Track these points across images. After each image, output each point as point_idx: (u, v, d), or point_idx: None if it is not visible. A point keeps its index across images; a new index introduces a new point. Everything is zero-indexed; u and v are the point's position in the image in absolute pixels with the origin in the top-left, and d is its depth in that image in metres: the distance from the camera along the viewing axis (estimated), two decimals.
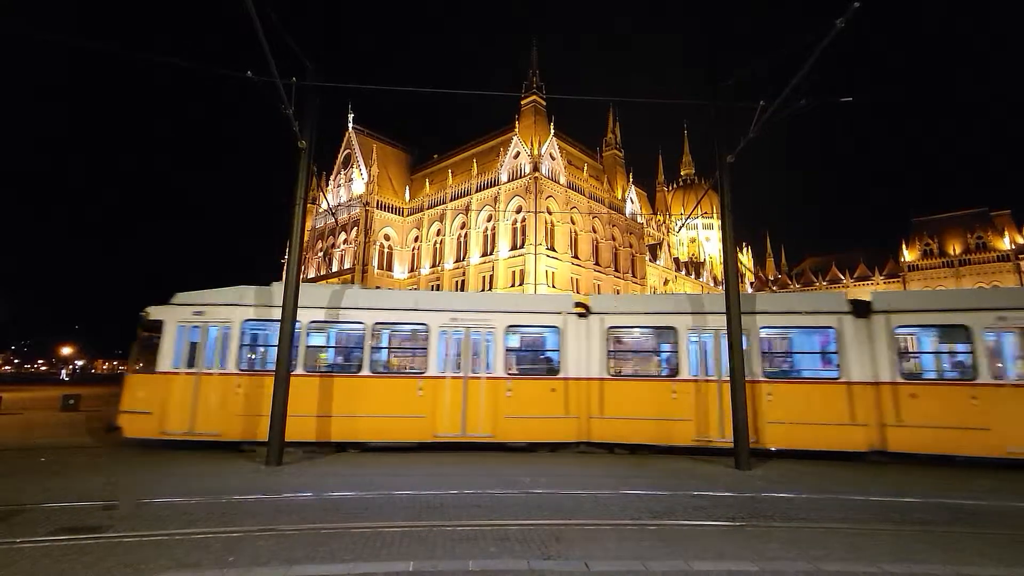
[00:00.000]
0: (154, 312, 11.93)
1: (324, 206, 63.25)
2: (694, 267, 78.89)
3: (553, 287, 47.86)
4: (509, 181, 51.83)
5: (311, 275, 62.18)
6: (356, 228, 59.00)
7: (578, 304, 12.60)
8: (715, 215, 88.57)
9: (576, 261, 52.55)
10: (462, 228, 55.58)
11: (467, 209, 54.89)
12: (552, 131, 53.10)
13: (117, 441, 11.94)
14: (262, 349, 12.56)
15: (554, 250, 49.99)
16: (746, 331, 11.46)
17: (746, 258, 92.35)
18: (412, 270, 59.75)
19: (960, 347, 11.15)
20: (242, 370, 11.66)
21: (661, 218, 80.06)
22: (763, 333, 11.66)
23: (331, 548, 5.28)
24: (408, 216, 61.45)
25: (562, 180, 52.38)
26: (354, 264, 57.09)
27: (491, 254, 51.87)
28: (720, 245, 12.31)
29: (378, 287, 52.10)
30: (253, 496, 7.57)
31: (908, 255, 73.10)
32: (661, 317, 12.26)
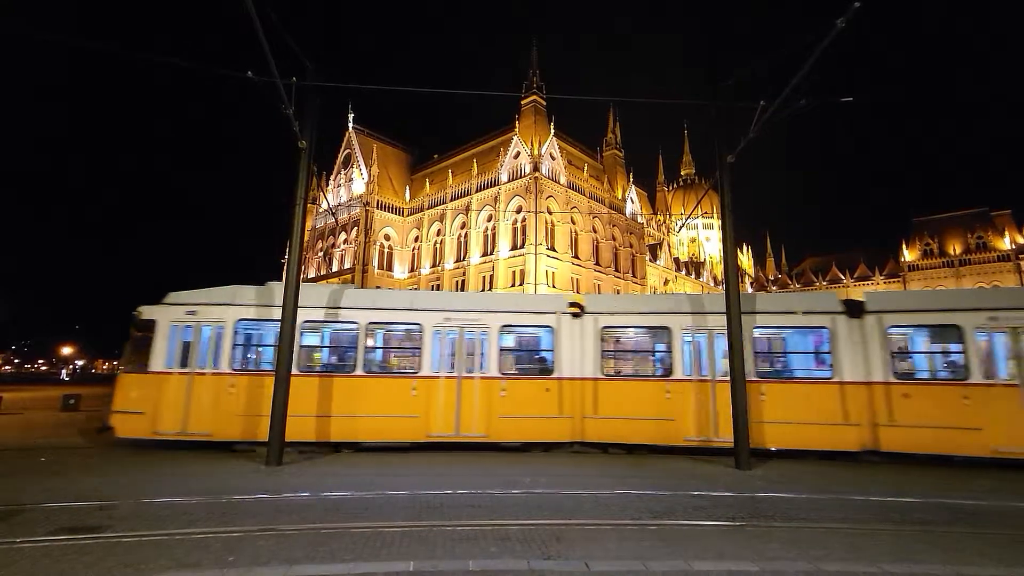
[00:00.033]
0: (147, 312, 11.90)
1: (324, 206, 63.27)
2: (694, 267, 78.89)
3: (553, 287, 47.86)
4: (509, 181, 51.83)
5: (311, 275, 62.19)
6: (356, 228, 59.01)
7: (572, 304, 12.60)
8: (715, 215, 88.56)
9: (576, 261, 52.56)
10: (462, 228, 55.58)
11: (467, 209, 54.89)
12: (552, 131, 53.09)
13: (109, 441, 11.91)
14: (255, 349, 12.55)
15: (554, 250, 50.00)
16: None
17: (746, 258, 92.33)
18: (412, 270, 59.76)
19: (952, 347, 11.19)
20: (235, 370, 11.62)
21: (661, 218, 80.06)
22: (756, 333, 11.66)
23: (331, 548, 5.28)
24: (408, 216, 61.46)
25: (562, 180, 52.38)
26: (354, 264, 57.08)
27: (491, 254, 51.88)
28: (720, 245, 12.30)
29: (378, 287, 52.14)
30: (253, 496, 7.57)
31: (908, 255, 73.10)
32: (655, 317, 12.29)
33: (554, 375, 11.94)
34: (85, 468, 9.74)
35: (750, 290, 79.95)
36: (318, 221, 65.23)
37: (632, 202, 62.29)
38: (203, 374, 11.51)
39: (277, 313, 11.75)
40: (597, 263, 55.16)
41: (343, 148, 66.78)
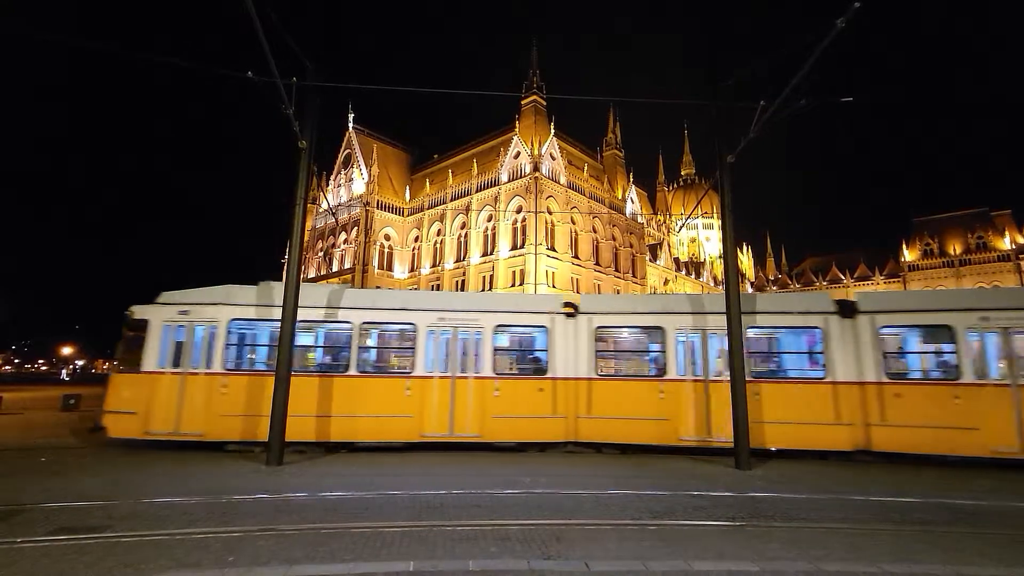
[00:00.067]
0: (139, 311, 11.87)
1: (324, 206, 63.28)
2: (694, 267, 78.89)
3: (553, 287, 47.86)
4: (509, 181, 51.83)
5: (311, 275, 62.21)
6: (356, 228, 59.01)
7: (566, 304, 12.60)
8: (715, 215, 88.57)
9: (576, 261, 52.56)
10: (462, 228, 55.58)
11: (467, 209, 54.89)
12: (552, 131, 53.09)
13: (102, 441, 11.86)
14: (249, 349, 12.53)
15: (554, 250, 50.00)
16: None
17: (746, 258, 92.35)
18: (412, 270, 59.77)
19: (944, 347, 11.23)
20: (228, 370, 11.59)
21: (661, 218, 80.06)
22: (750, 333, 11.64)
23: (331, 548, 5.28)
24: (408, 216, 61.46)
25: (562, 180, 52.38)
26: (354, 264, 57.09)
27: (491, 254, 51.88)
28: (720, 245, 12.31)
29: (378, 287, 52.18)
30: (253, 496, 7.57)
31: (908, 255, 73.10)
32: (649, 317, 12.30)
33: (548, 375, 11.94)
34: (85, 468, 9.74)
35: (750, 290, 79.95)
36: (318, 221, 65.24)
37: (632, 202, 62.29)
38: (196, 374, 11.47)
39: (270, 313, 11.80)
40: (597, 263, 55.17)
41: (343, 148, 66.79)
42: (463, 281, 53.46)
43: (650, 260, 65.10)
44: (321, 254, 63.81)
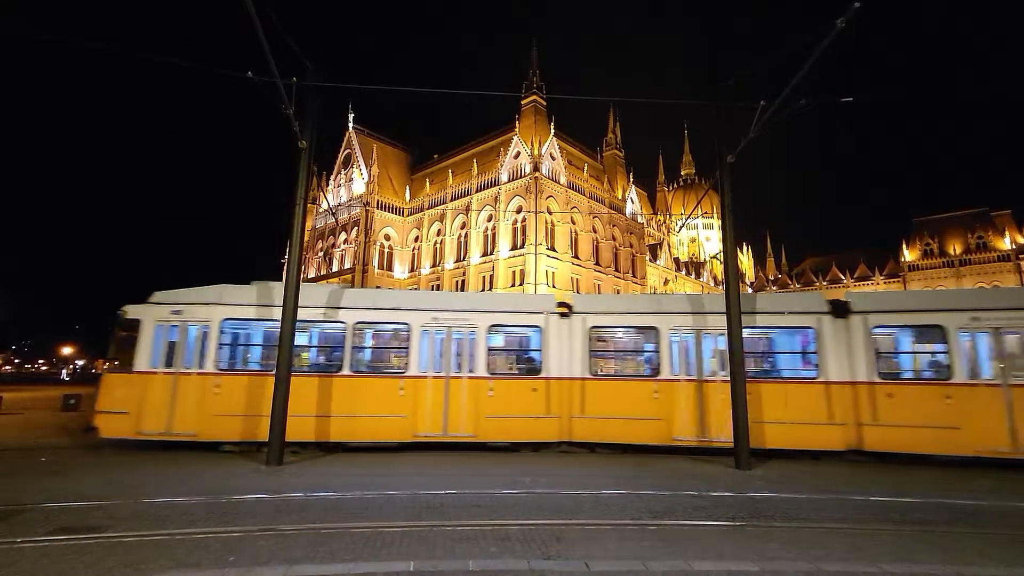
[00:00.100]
0: (131, 311, 11.84)
1: (324, 206, 63.28)
2: (694, 267, 78.90)
3: (553, 287, 47.88)
4: (509, 181, 51.84)
5: (312, 275, 62.23)
6: (356, 228, 59.02)
7: (560, 304, 12.62)
8: (715, 215, 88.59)
9: (576, 261, 52.57)
10: (462, 228, 55.59)
11: (467, 209, 54.90)
12: (552, 131, 53.11)
13: (93, 441, 11.80)
14: (242, 348, 12.51)
15: (554, 250, 50.01)
16: (725, 331, 11.57)
17: (746, 258, 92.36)
18: (412, 270, 59.78)
19: (936, 347, 11.26)
20: (221, 370, 11.57)
21: (661, 218, 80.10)
22: (744, 333, 11.61)
23: (331, 548, 5.28)
24: (408, 216, 61.47)
25: (562, 180, 52.39)
26: (354, 264, 57.10)
27: (491, 254, 51.89)
28: (720, 245, 12.33)
29: (378, 287, 52.18)
30: (253, 496, 7.57)
31: (908, 255, 73.11)
32: (643, 317, 12.32)
33: (542, 375, 11.94)
34: (85, 468, 9.74)
35: (750, 290, 79.95)
36: (318, 221, 65.24)
37: (632, 202, 62.30)
38: (188, 374, 11.45)
39: (263, 312, 11.84)
40: (597, 263, 55.18)
41: (343, 148, 66.79)
42: (463, 281, 53.47)
43: (650, 260, 65.12)
44: (321, 254, 63.82)
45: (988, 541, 5.83)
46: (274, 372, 10.89)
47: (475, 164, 55.76)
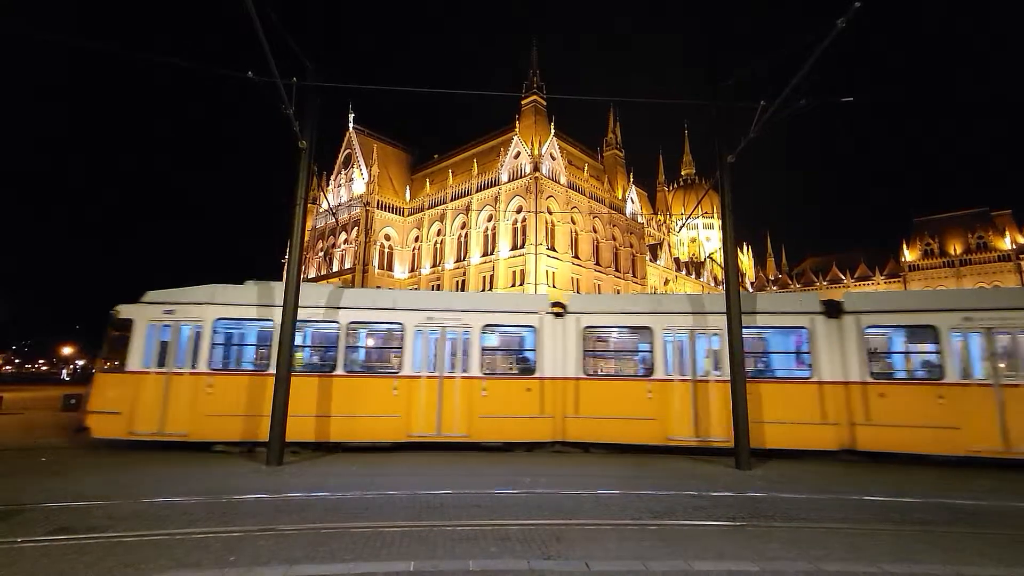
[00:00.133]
0: (124, 311, 11.81)
1: (324, 206, 63.30)
2: (694, 267, 78.90)
3: (554, 287, 47.89)
4: (509, 181, 51.85)
5: (312, 275, 62.25)
6: (357, 228, 59.04)
7: (555, 304, 12.64)
8: (715, 215, 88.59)
9: (576, 261, 52.58)
10: (463, 228, 55.60)
11: (467, 209, 54.91)
12: (552, 131, 53.13)
13: (86, 442, 11.74)
14: (234, 348, 12.50)
15: (555, 250, 50.02)
16: (719, 331, 11.64)
17: (746, 258, 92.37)
18: (413, 270, 59.80)
19: (928, 347, 11.30)
20: (214, 370, 11.55)
21: (661, 218, 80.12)
22: None
23: (331, 548, 5.28)
24: (409, 216, 61.49)
25: (562, 180, 52.40)
26: (355, 264, 57.12)
27: (492, 254, 51.91)
28: (720, 245, 12.36)
29: (378, 287, 52.18)
30: (253, 496, 7.57)
31: (909, 255, 73.12)
32: (636, 317, 12.33)
33: (536, 375, 11.95)
34: (85, 468, 9.74)
35: (750, 290, 79.96)
36: (318, 221, 65.27)
37: (632, 202, 62.32)
38: (181, 374, 11.42)
39: (257, 312, 11.84)
40: (597, 263, 55.19)
41: (343, 148, 66.82)
42: (463, 281, 53.49)
43: (650, 260, 65.14)
44: (321, 254, 63.84)
45: (988, 541, 5.83)
46: (267, 372, 10.91)
47: (475, 164, 55.78)
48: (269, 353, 11.70)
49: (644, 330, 12.12)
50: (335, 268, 60.75)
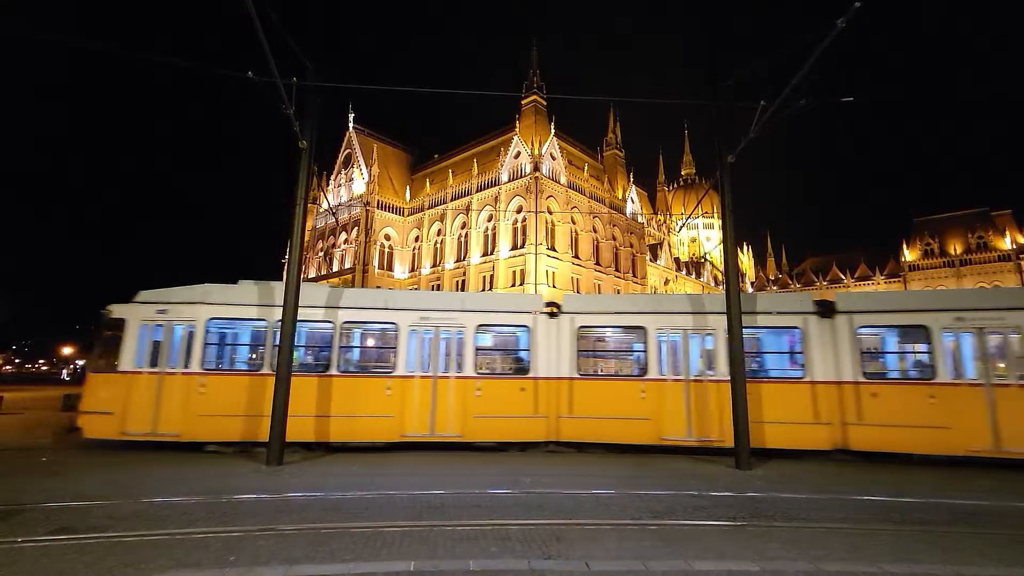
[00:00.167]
0: (116, 310, 11.78)
1: (325, 206, 63.29)
2: (694, 267, 78.89)
3: (554, 287, 47.90)
4: (510, 181, 51.85)
5: (312, 275, 62.25)
6: (357, 228, 59.03)
7: (549, 304, 12.66)
8: (716, 215, 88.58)
9: (577, 261, 52.57)
10: (463, 228, 55.60)
11: (468, 209, 54.91)
12: (552, 131, 53.11)
13: (77, 442, 11.72)
14: (227, 348, 12.47)
15: (555, 250, 50.02)
16: (713, 331, 11.68)
17: (747, 258, 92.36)
18: (413, 270, 59.79)
19: (920, 347, 11.33)
20: (206, 370, 11.52)
21: (662, 218, 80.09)
22: None
23: (331, 548, 5.28)
24: (409, 216, 61.48)
25: (563, 180, 52.39)
26: (355, 264, 57.11)
27: (492, 254, 51.90)
28: (720, 245, 12.38)
29: (378, 287, 52.18)
30: (253, 496, 7.57)
31: (909, 255, 73.11)
32: (630, 317, 12.35)
33: (530, 375, 11.96)
34: (84, 468, 9.73)
35: (751, 290, 79.94)
36: (318, 221, 65.26)
37: (632, 202, 62.31)
38: (173, 374, 11.40)
39: (250, 312, 11.84)
40: (597, 263, 55.18)
41: (343, 148, 66.80)
42: (463, 281, 53.49)
43: (650, 260, 65.12)
44: (321, 254, 63.83)
45: (988, 541, 5.83)
46: (261, 372, 10.93)
47: (475, 164, 55.77)
48: (262, 353, 11.71)
49: (638, 330, 12.14)
50: (335, 268, 60.73)
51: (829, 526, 6.38)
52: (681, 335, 11.91)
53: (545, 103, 56.00)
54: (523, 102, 55.71)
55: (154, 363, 11.47)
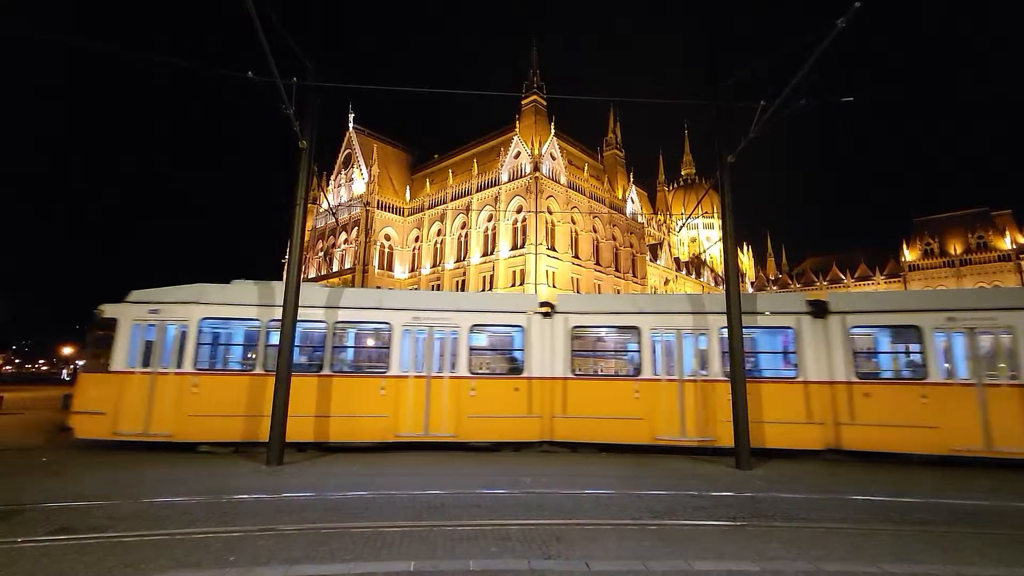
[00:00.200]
0: (108, 310, 11.74)
1: (324, 206, 63.29)
2: (695, 267, 78.89)
3: (554, 287, 47.90)
4: (510, 181, 51.85)
5: (312, 275, 62.24)
6: (357, 228, 59.03)
7: (543, 304, 12.67)
8: (716, 215, 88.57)
9: (577, 261, 52.57)
10: (463, 228, 55.60)
11: (468, 209, 54.91)
12: (552, 131, 53.11)
13: (69, 442, 11.68)
14: (220, 348, 12.45)
15: (555, 250, 50.02)
16: (706, 331, 11.71)
17: (747, 258, 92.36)
18: (413, 270, 59.79)
19: (912, 347, 11.35)
20: (199, 370, 11.49)
21: (662, 218, 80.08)
22: (724, 333, 11.56)
23: (331, 548, 5.28)
24: (409, 216, 61.48)
25: (563, 180, 52.39)
26: (355, 264, 57.11)
27: (492, 254, 51.90)
28: (720, 245, 12.40)
29: (378, 287, 52.17)
30: (253, 496, 7.57)
31: (909, 255, 73.09)
32: (624, 317, 12.36)
33: (524, 375, 11.96)
34: (84, 468, 9.73)
35: (751, 290, 79.94)
36: (318, 221, 65.26)
37: (632, 202, 62.30)
38: (166, 374, 11.36)
39: (243, 312, 11.83)
40: (597, 263, 55.18)
41: (343, 148, 66.79)
42: (463, 281, 53.49)
43: (650, 260, 65.12)
44: (321, 254, 63.83)
45: (988, 541, 5.83)
46: (254, 372, 10.97)
47: (475, 164, 55.77)
48: (255, 353, 11.68)
49: (632, 330, 12.15)
50: (335, 268, 60.73)
51: (829, 526, 6.38)
52: (675, 335, 11.93)
53: (545, 103, 56.01)
54: (523, 102, 55.70)
55: (146, 363, 11.43)
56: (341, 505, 7.18)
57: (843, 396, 11.11)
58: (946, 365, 10.93)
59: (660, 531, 6.07)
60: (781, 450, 11.17)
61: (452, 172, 58.63)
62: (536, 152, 50.34)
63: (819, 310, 11.74)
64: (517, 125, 53.30)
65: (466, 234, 54.93)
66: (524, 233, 49.72)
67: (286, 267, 14.36)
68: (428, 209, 59.29)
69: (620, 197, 61.20)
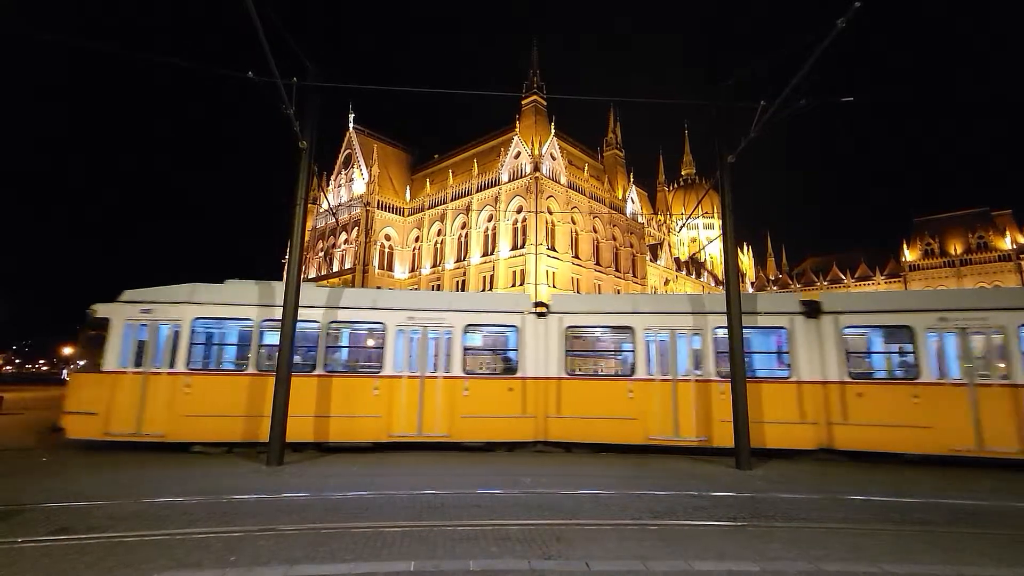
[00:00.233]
0: (101, 310, 11.70)
1: (325, 206, 63.28)
2: (695, 267, 78.88)
3: (554, 287, 47.90)
4: (510, 181, 51.84)
5: (312, 275, 62.24)
6: (357, 228, 59.03)
7: (537, 303, 12.67)
8: (716, 215, 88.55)
9: (577, 261, 52.57)
10: (463, 228, 55.59)
11: (468, 209, 54.91)
12: (553, 131, 53.11)
13: (61, 442, 11.62)
14: (213, 348, 12.41)
15: (555, 250, 50.01)
16: (700, 331, 11.70)
17: (747, 258, 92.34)
18: (413, 270, 59.79)
19: (904, 347, 11.36)
20: (192, 370, 11.45)
21: (662, 218, 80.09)
22: (718, 333, 11.62)
23: (331, 548, 5.28)
24: (409, 216, 61.48)
25: (563, 180, 52.39)
26: (355, 264, 57.11)
27: (492, 254, 51.90)
28: (720, 245, 12.40)
29: (379, 287, 52.17)
30: (253, 496, 7.57)
31: (909, 255, 73.07)
32: (618, 317, 12.37)
33: (518, 375, 11.95)
34: (84, 468, 9.74)
35: (751, 290, 79.92)
36: (319, 221, 65.26)
37: (632, 202, 62.29)
38: (158, 374, 11.32)
39: (236, 312, 11.82)
40: (597, 263, 55.17)
41: (343, 148, 66.79)
42: (463, 281, 53.49)
43: (650, 260, 65.11)
44: (321, 254, 63.83)
45: (988, 541, 5.83)
46: (247, 372, 10.98)
47: (475, 164, 55.77)
48: (248, 353, 11.65)
49: (626, 330, 12.15)
50: (335, 268, 60.74)
51: (829, 526, 6.38)
52: (669, 335, 11.93)
53: (545, 103, 56.01)
54: (523, 102, 55.70)
55: (139, 363, 11.38)
56: (341, 505, 7.18)
57: (836, 396, 11.13)
58: (938, 365, 10.94)
59: (660, 531, 6.07)
60: (776, 450, 11.17)
61: (452, 172, 58.63)
62: (536, 152, 50.34)
63: (812, 310, 11.75)
64: (517, 125, 53.31)
65: (466, 234, 54.93)
66: (524, 233, 49.73)
67: (286, 267, 14.36)
68: (428, 209, 59.29)
69: (620, 197, 61.19)
